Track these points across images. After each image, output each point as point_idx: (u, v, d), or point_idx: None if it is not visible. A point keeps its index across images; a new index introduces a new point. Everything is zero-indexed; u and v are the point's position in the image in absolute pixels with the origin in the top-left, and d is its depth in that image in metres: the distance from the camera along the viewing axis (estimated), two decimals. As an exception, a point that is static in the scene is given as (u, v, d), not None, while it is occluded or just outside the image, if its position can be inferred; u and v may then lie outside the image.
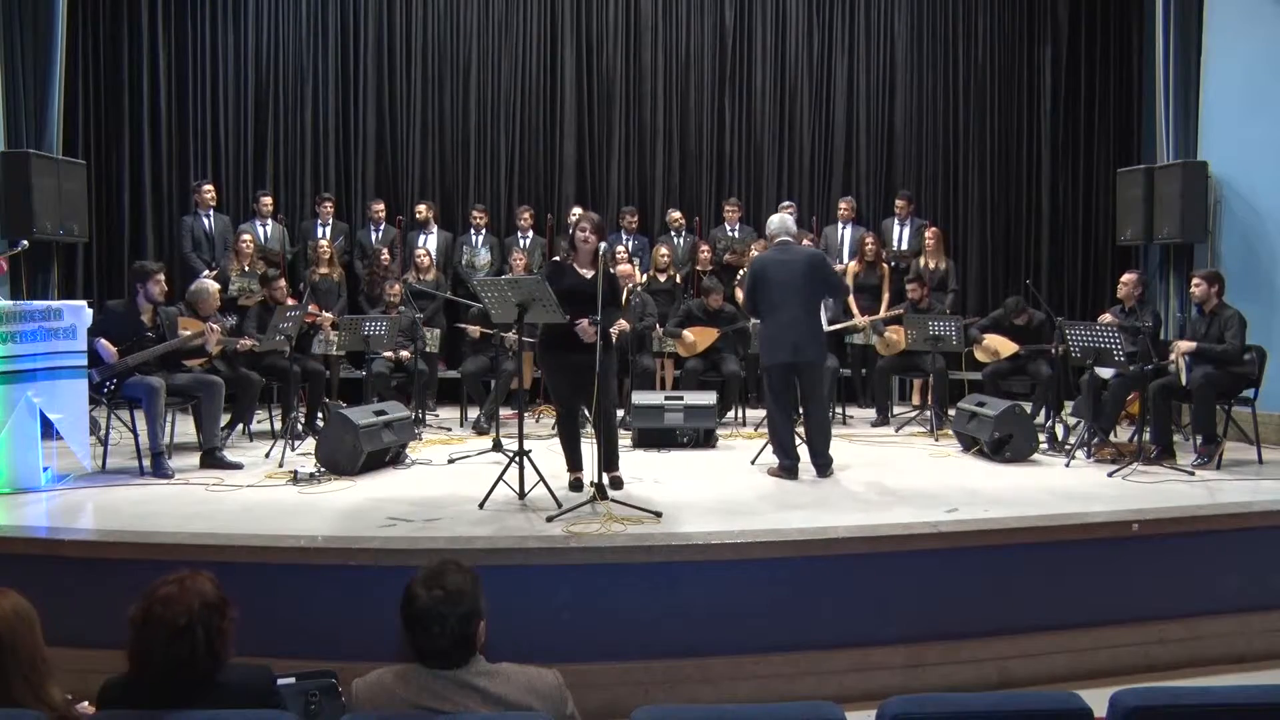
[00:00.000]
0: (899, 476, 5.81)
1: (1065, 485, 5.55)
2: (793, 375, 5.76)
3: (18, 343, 5.19)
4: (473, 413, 7.68)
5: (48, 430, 5.34)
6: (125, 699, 2.28)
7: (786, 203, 9.12)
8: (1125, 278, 7.04)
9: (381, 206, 8.85)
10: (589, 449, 5.20)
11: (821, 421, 5.89)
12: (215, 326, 5.99)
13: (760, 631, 4.20)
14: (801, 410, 5.90)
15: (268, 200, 8.58)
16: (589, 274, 5.19)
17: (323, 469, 5.64)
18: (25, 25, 7.62)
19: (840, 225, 8.96)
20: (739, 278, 8.52)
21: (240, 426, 6.75)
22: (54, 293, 7.81)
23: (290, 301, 7.22)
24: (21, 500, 5.02)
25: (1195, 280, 6.43)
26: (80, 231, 7.96)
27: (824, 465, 5.80)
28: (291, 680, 3.25)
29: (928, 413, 7.57)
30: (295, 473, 5.53)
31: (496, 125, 9.53)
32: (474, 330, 7.63)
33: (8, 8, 7.47)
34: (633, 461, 6.11)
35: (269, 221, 8.54)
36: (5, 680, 2.22)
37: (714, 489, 5.47)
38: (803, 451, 5.87)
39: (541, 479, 4.98)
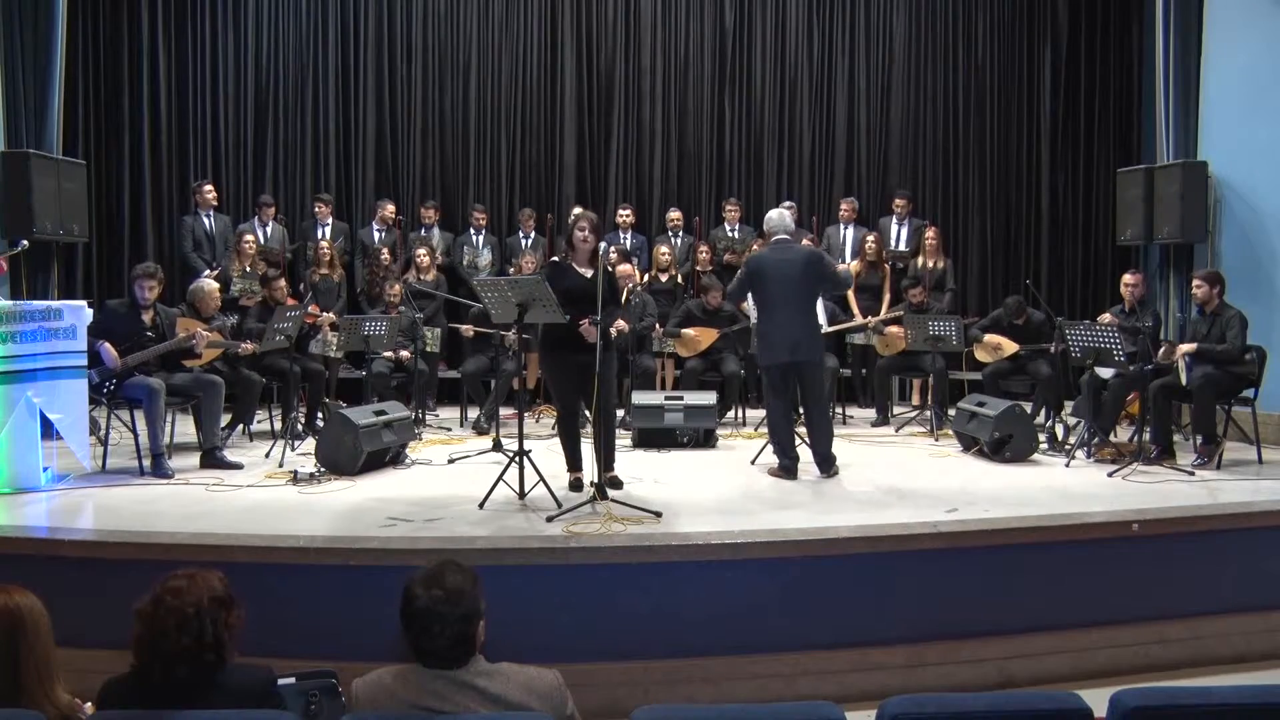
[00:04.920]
0: (899, 476, 5.80)
1: (1065, 485, 5.55)
2: (792, 375, 5.76)
3: (18, 343, 5.19)
4: (473, 413, 7.68)
5: (48, 430, 5.34)
6: (125, 699, 2.29)
7: (787, 202, 9.13)
8: (1128, 279, 7.03)
9: (392, 208, 8.85)
10: (589, 449, 5.20)
11: (821, 422, 5.88)
12: (204, 332, 5.97)
13: (760, 631, 4.20)
14: (802, 410, 5.90)
15: (269, 202, 8.59)
16: (588, 273, 5.20)
17: (323, 469, 5.64)
18: (25, 25, 7.61)
19: (841, 226, 8.96)
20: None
21: (240, 426, 6.75)
22: (54, 293, 7.80)
23: (290, 302, 7.22)
24: (21, 500, 5.02)
25: (1196, 281, 6.42)
26: (80, 231, 7.95)
27: (828, 464, 5.80)
28: (291, 680, 3.24)
29: (928, 413, 7.57)
30: (295, 473, 5.53)
31: (496, 125, 9.53)
32: (467, 330, 7.64)
33: (8, 8, 7.46)
34: (633, 461, 6.12)
35: (269, 223, 8.54)
36: (19, 671, 2.26)
37: (714, 489, 5.47)
38: (803, 451, 5.87)
39: (541, 479, 4.98)
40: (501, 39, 9.50)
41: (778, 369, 5.73)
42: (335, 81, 9.32)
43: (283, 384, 6.89)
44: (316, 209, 8.76)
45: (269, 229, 8.52)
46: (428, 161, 9.52)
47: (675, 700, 3.96)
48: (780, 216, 5.93)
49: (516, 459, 5.04)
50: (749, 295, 6.03)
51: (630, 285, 7.13)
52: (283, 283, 7.27)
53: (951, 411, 7.05)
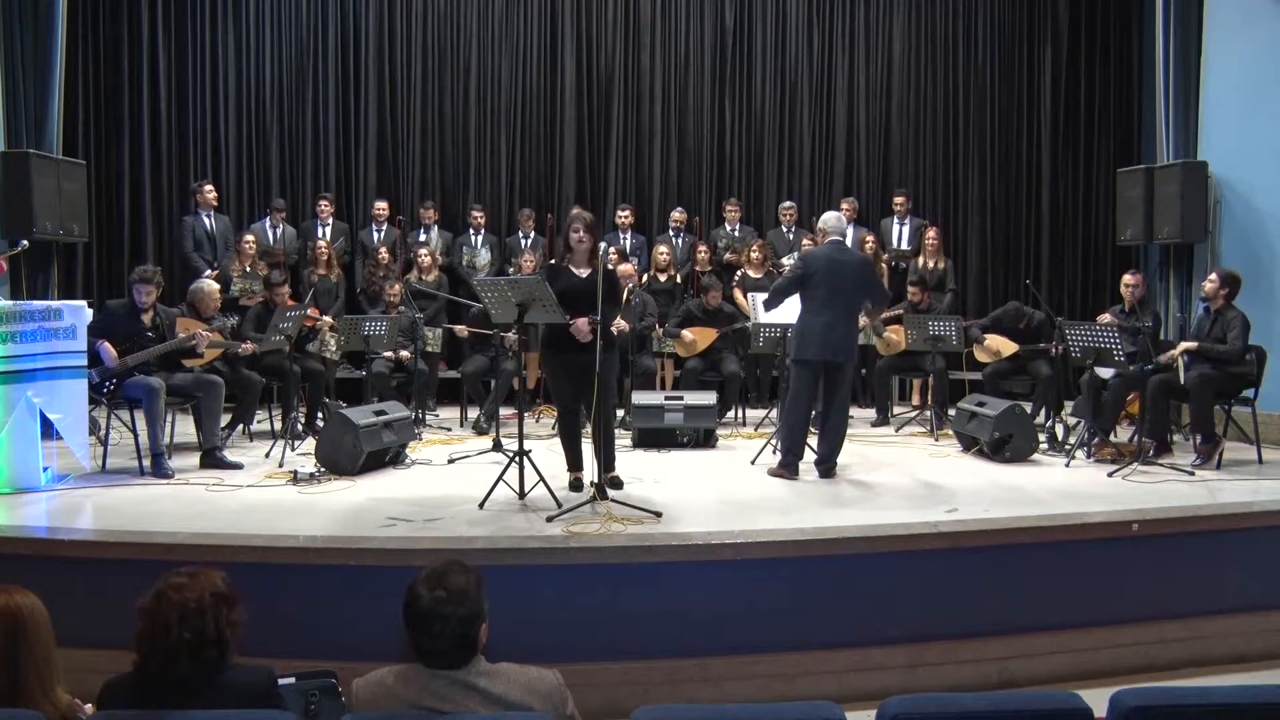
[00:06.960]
0: (899, 476, 5.81)
1: (1065, 485, 5.55)
2: (822, 373, 5.77)
3: (18, 343, 5.19)
4: (473, 413, 7.68)
5: (48, 430, 5.34)
6: (126, 699, 2.29)
7: (787, 203, 9.13)
8: (1128, 279, 7.02)
9: (383, 205, 8.86)
10: (590, 449, 5.20)
11: (842, 422, 5.89)
12: (205, 332, 5.96)
13: (760, 631, 4.20)
14: (822, 409, 5.90)
15: (281, 206, 8.60)
16: (584, 273, 5.20)
17: (323, 469, 5.64)
18: (25, 25, 7.62)
19: (841, 225, 8.95)
20: (737, 278, 8.53)
21: (240, 427, 6.75)
22: (54, 293, 7.81)
23: (290, 303, 7.21)
24: (21, 500, 5.02)
25: (1211, 276, 6.42)
26: (80, 231, 7.96)
27: (830, 467, 5.80)
28: (291, 680, 3.25)
29: (928, 413, 7.57)
30: (295, 473, 5.53)
31: (496, 125, 9.53)
32: (461, 330, 7.64)
33: (8, 8, 7.46)
34: (633, 461, 6.12)
35: (280, 225, 8.54)
36: (19, 672, 2.27)
37: (714, 489, 5.47)
38: (805, 451, 5.87)
39: (541, 479, 4.98)
40: (501, 39, 9.50)
41: (813, 365, 5.73)
42: (335, 81, 9.32)
43: (283, 384, 6.89)
44: (319, 206, 8.76)
45: (279, 231, 8.52)
46: (428, 161, 9.52)
47: (675, 700, 3.96)
48: (838, 219, 6.03)
49: (516, 459, 5.04)
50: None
51: (630, 285, 7.15)
52: (286, 288, 7.26)
53: (951, 411, 7.05)
